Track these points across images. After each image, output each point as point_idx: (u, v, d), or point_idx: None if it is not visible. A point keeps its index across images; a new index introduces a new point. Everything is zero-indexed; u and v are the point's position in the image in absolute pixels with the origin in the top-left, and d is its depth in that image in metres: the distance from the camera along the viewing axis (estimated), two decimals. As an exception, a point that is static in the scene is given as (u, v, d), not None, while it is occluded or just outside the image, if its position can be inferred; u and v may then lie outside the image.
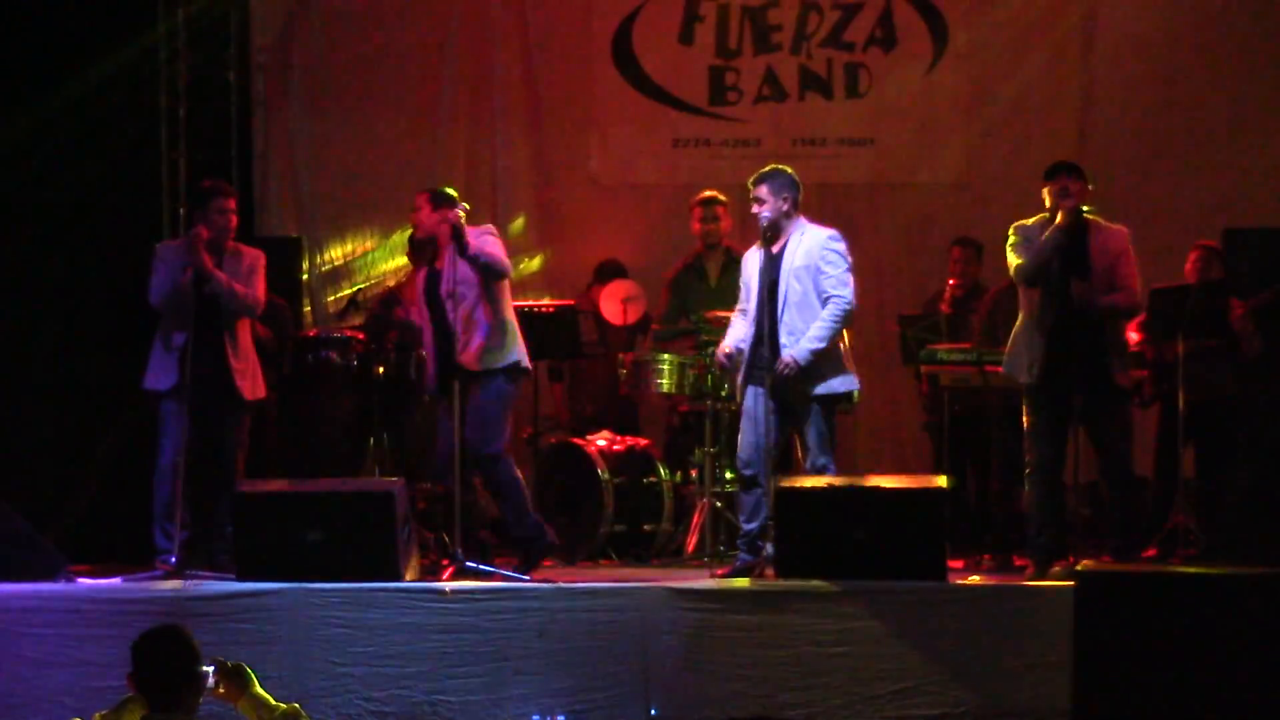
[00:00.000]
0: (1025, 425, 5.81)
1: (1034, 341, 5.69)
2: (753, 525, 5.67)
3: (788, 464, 5.93)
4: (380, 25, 7.77)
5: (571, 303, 6.91)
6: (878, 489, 5.01)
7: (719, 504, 6.24)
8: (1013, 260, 5.77)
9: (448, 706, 4.80)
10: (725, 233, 6.81)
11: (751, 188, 5.61)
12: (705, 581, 5.21)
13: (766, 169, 5.70)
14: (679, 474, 6.72)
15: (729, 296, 6.02)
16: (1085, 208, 5.71)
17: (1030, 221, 5.79)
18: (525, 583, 5.25)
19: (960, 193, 7.72)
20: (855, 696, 4.71)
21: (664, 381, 6.39)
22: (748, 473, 5.65)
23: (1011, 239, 5.81)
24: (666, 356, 6.42)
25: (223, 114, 7.45)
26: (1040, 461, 5.70)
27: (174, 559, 5.59)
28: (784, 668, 4.75)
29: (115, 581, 5.35)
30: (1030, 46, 7.66)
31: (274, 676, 4.80)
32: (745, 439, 5.73)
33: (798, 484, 5.04)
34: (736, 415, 6.05)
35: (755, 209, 5.59)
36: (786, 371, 5.48)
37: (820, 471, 5.55)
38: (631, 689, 4.77)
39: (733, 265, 6.37)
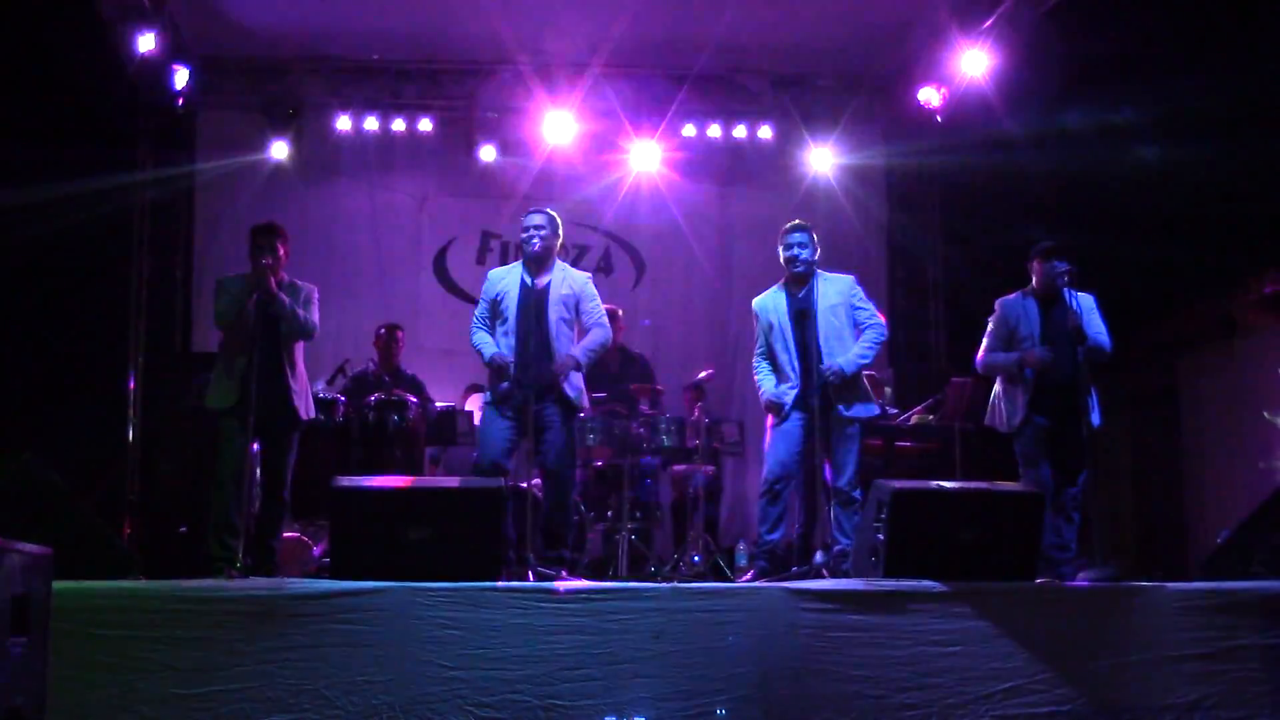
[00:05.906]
0: (1025, 467, 6.20)
1: (1017, 396, 6.18)
2: (774, 536, 6.07)
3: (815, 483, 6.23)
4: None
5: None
6: (989, 492, 5.06)
7: (633, 537, 7.42)
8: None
9: (561, 711, 4.57)
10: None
11: (793, 234, 6.21)
12: (823, 582, 5.18)
13: (799, 222, 6.28)
14: (593, 513, 7.70)
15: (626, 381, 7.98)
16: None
17: (1010, 296, 6.45)
18: (639, 584, 5.13)
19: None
20: (969, 696, 4.73)
21: (594, 437, 7.45)
22: (777, 487, 6.01)
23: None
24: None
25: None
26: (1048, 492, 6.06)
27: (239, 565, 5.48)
28: (900, 668, 4.72)
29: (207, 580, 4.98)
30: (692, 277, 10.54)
31: (378, 681, 4.57)
32: (776, 456, 5.98)
33: (910, 486, 5.06)
34: (643, 467, 7.68)
35: (797, 251, 6.15)
36: (833, 379, 5.94)
37: (854, 487, 5.91)
38: (750, 691, 4.65)
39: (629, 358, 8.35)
